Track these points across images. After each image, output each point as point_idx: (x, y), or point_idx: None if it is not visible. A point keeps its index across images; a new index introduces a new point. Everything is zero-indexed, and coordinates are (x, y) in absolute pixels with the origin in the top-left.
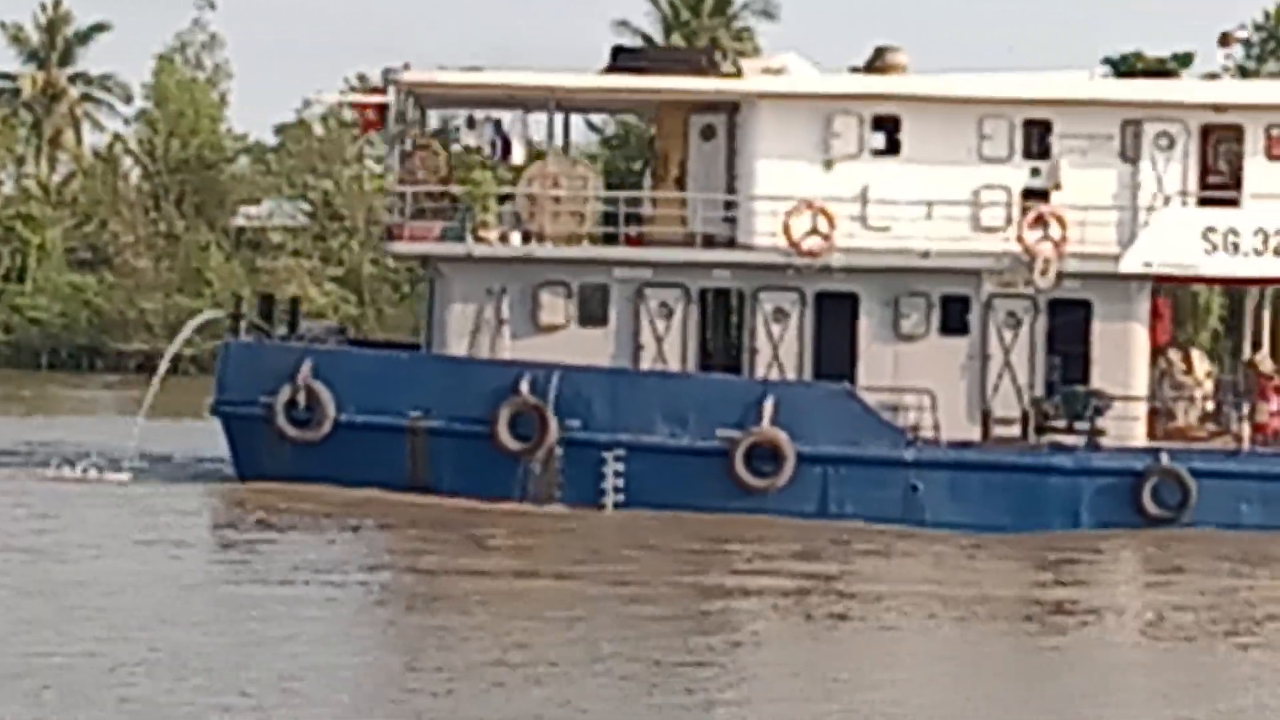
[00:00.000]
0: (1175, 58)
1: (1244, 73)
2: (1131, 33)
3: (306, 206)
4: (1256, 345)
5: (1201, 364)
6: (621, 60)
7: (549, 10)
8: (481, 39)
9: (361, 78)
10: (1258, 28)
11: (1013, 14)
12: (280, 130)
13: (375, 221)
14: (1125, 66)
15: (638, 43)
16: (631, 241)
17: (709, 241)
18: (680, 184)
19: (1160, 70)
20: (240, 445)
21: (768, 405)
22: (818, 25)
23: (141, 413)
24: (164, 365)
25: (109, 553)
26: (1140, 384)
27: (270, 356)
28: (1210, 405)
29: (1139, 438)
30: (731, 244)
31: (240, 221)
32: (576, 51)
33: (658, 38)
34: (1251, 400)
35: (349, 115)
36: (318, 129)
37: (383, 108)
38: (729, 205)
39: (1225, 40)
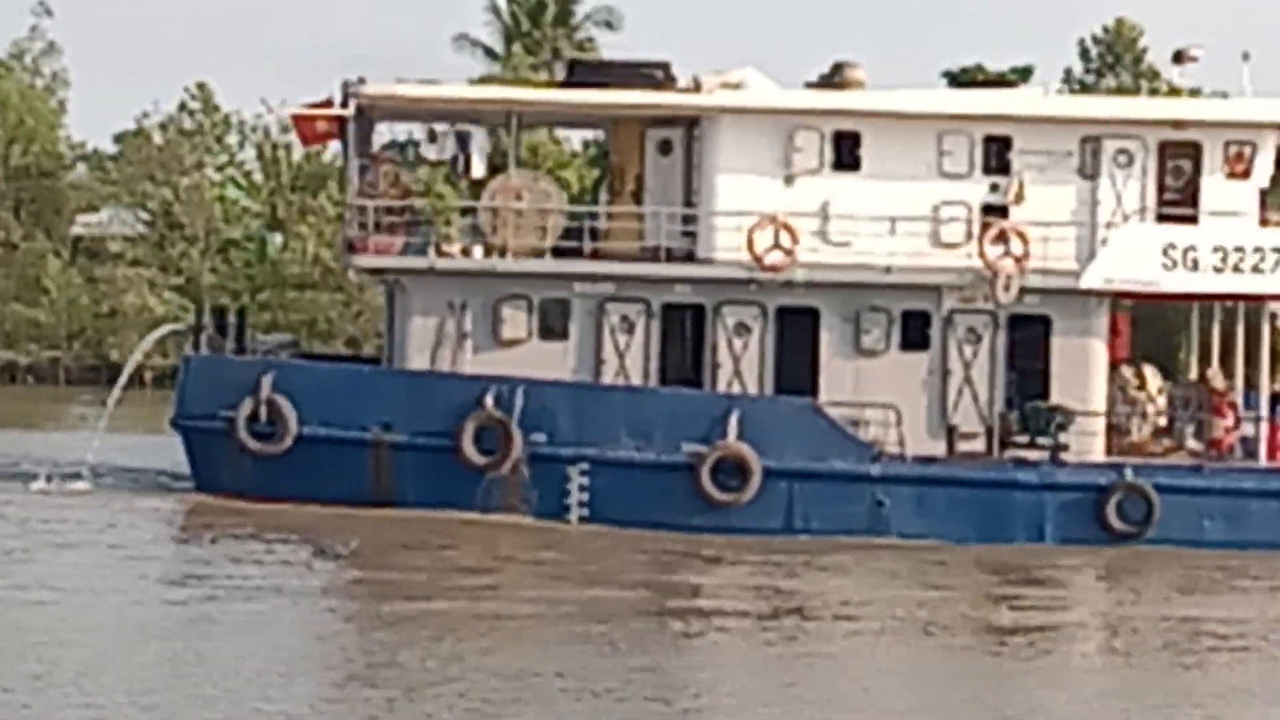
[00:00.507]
0: (1015, 71)
1: (1084, 87)
2: (976, 46)
3: (145, 215)
4: (1207, 361)
5: (1154, 379)
6: (578, 74)
7: (391, 21)
8: (326, 48)
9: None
10: (1096, 40)
11: (861, 25)
12: (119, 139)
13: (214, 230)
14: (965, 79)
15: (478, 57)
16: (588, 256)
17: (669, 256)
18: (637, 198)
19: (1001, 82)
20: (200, 459)
21: (733, 420)
22: (665, 35)
23: (100, 424)
24: (123, 377)
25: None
26: (1099, 399)
27: (231, 370)
28: (1163, 420)
29: (1098, 453)
30: (691, 258)
31: (78, 230)
32: (424, 65)
33: (499, 48)
34: (1205, 416)
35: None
36: (157, 137)
37: (340, 120)
38: (688, 220)
39: (1179, 58)
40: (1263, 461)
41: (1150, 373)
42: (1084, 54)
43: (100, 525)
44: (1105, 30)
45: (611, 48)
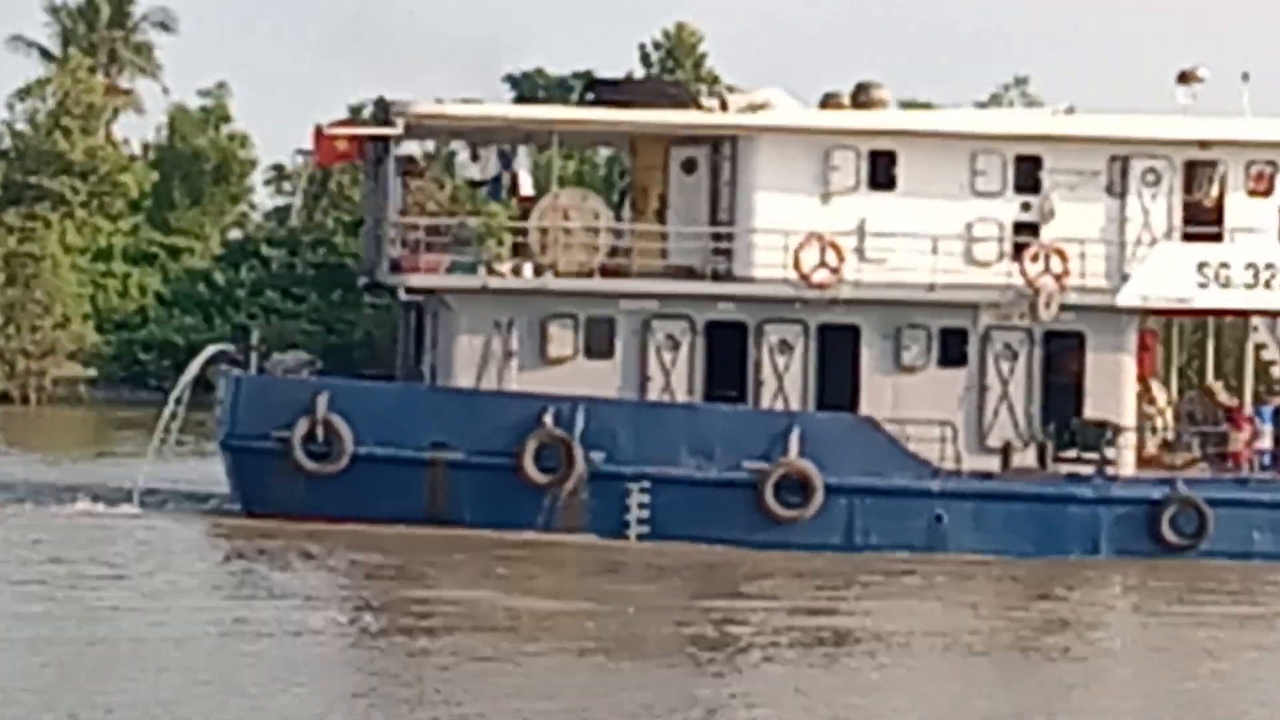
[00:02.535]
0: (576, 76)
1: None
2: (534, 51)
3: None
4: (1207, 375)
5: (1161, 393)
6: (601, 93)
7: None
8: None
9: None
10: (657, 45)
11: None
12: None
13: None
14: (529, 85)
15: (34, 59)
16: (608, 273)
17: (703, 274)
18: (660, 216)
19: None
20: (248, 479)
21: (794, 437)
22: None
23: (151, 447)
24: (174, 397)
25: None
26: (1130, 414)
27: (285, 390)
28: (1170, 434)
29: (1129, 466)
30: (729, 276)
31: None
32: None
33: (55, 50)
34: (1210, 429)
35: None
36: None
37: (361, 140)
38: (723, 237)
39: (1185, 78)
40: None
41: (1156, 387)
42: (645, 58)
43: (153, 547)
44: (666, 35)
45: (167, 49)
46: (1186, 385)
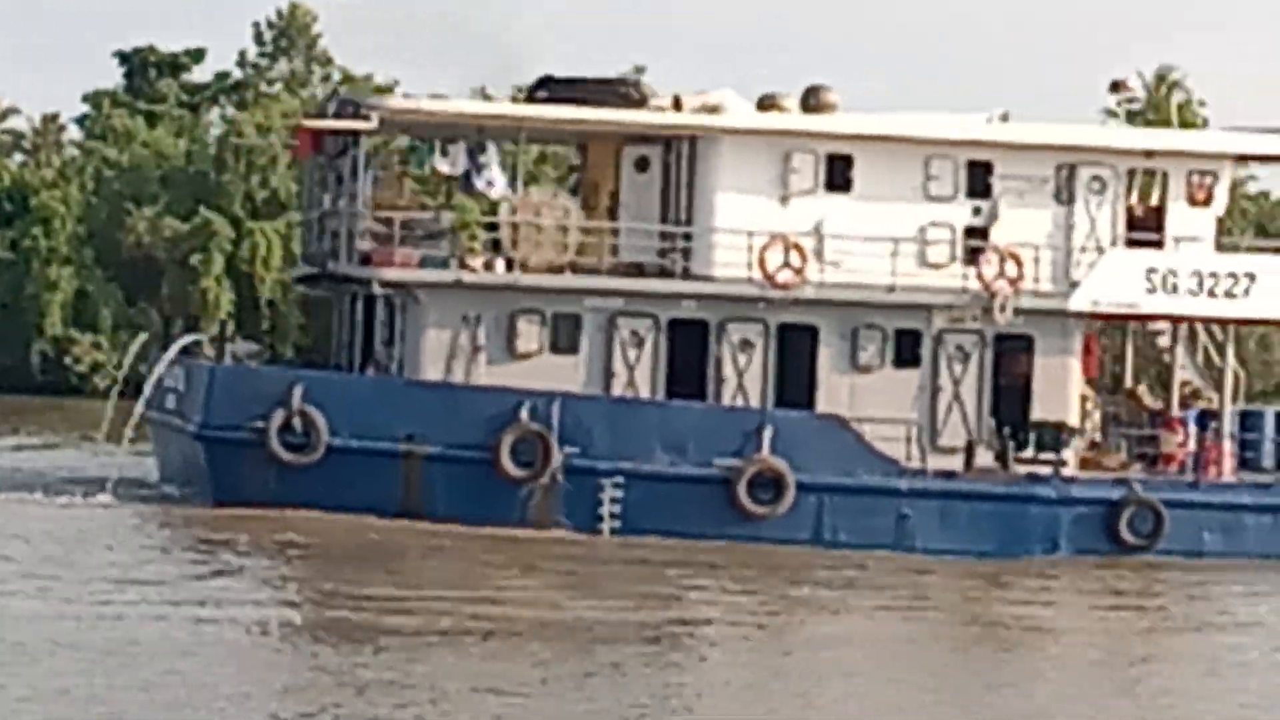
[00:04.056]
0: (188, 53)
1: (257, 69)
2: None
3: None
4: (1136, 379)
5: (1090, 396)
6: (551, 90)
7: None
8: None
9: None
10: (270, 24)
11: None
12: None
13: None
14: (139, 59)
15: None
16: (578, 271)
17: (656, 272)
18: (611, 214)
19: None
20: (221, 469)
21: (766, 434)
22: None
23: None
24: (147, 389)
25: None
26: (1075, 416)
27: (260, 381)
28: (1098, 436)
29: (1074, 468)
30: (686, 275)
31: None
32: None
33: None
34: (1135, 431)
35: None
36: None
37: (318, 133)
38: (681, 236)
39: (1116, 87)
40: (1262, 477)
41: (1087, 389)
42: (258, 37)
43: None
44: (279, 14)
45: None
46: (1104, 389)
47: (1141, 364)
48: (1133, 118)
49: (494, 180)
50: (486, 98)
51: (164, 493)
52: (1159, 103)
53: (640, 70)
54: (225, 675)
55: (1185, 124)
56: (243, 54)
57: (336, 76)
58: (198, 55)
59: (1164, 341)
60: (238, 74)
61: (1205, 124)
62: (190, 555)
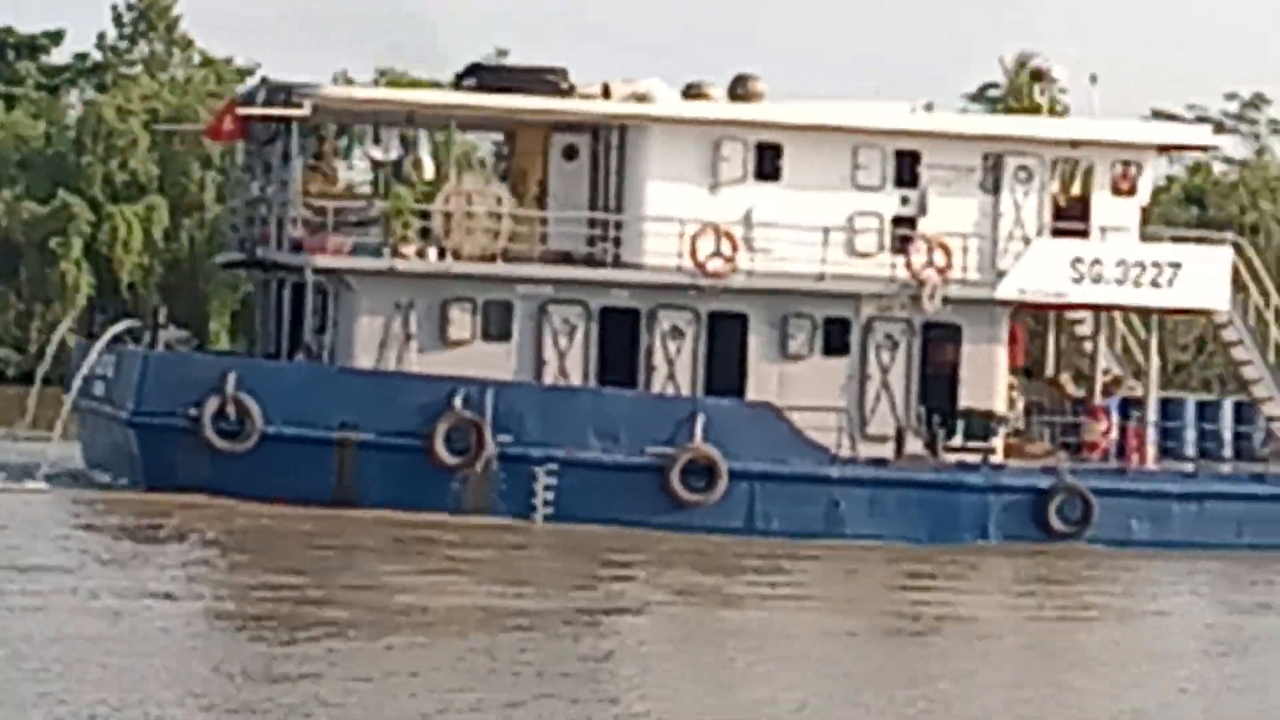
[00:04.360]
0: (47, 35)
1: (116, 51)
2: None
3: None
4: (1058, 367)
5: (1013, 384)
6: (480, 78)
7: None
8: None
9: None
10: (130, 6)
11: None
12: None
13: None
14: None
15: None
16: (510, 259)
17: (583, 260)
18: (540, 202)
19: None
20: (153, 456)
21: (699, 422)
22: None
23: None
24: (79, 377)
25: None
26: (1002, 404)
27: (193, 368)
28: (1020, 424)
29: (999, 456)
30: (617, 263)
31: None
32: None
33: None
34: (1059, 420)
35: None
36: None
37: (245, 119)
38: (610, 224)
39: (1039, 76)
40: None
41: (1011, 378)
42: (118, 19)
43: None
44: None
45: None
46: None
47: (1065, 352)
48: (994, 104)
49: (425, 169)
50: (397, 83)
51: (95, 480)
52: (1019, 87)
53: (504, 54)
54: (151, 666)
55: (1053, 111)
56: (102, 36)
57: (197, 59)
58: (56, 37)
59: (1082, 330)
60: (97, 56)
61: (1066, 111)
62: (117, 543)
